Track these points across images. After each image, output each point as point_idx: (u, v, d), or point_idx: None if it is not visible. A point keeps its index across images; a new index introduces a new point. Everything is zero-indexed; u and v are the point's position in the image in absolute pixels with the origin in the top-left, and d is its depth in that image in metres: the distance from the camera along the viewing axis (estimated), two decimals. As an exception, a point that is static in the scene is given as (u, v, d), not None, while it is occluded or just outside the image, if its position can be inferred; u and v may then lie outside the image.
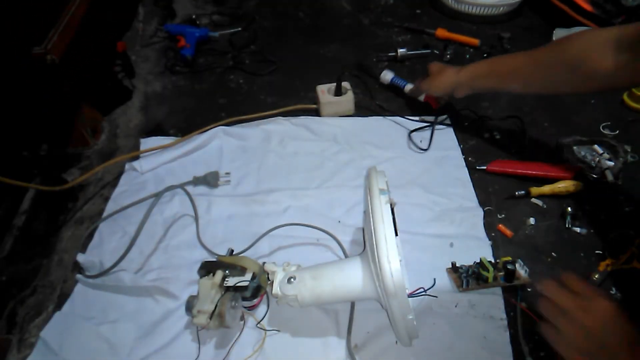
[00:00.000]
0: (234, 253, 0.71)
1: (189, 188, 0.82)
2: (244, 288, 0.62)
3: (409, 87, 0.99)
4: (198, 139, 0.91)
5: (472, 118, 0.96)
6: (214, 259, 0.67)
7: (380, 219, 0.51)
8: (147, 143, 0.92)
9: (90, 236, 0.77)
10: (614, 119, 0.94)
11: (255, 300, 0.65)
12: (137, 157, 0.90)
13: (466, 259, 0.69)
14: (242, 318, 0.65)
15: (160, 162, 0.88)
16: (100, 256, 0.72)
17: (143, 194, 0.82)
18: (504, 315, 0.64)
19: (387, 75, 1.03)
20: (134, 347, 0.63)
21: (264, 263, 0.65)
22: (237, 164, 0.89)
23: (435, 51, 1.16)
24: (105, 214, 0.80)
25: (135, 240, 0.72)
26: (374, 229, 0.52)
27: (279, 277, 0.62)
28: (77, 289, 0.70)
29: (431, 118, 0.96)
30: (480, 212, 0.78)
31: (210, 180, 0.84)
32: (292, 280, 0.60)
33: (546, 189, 0.79)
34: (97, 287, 0.70)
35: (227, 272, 0.63)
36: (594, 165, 0.82)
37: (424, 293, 0.61)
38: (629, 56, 0.63)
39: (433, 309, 0.66)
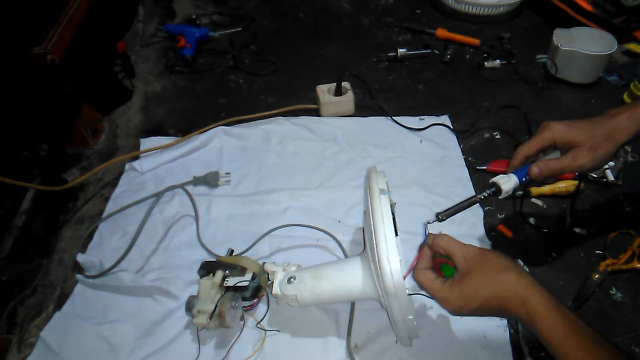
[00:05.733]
0: (234, 253, 0.71)
1: (189, 188, 0.82)
2: (244, 288, 0.62)
3: (535, 170, 0.59)
4: (198, 139, 0.91)
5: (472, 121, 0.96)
6: (214, 259, 0.67)
7: (381, 219, 0.51)
8: (147, 143, 0.92)
9: (90, 236, 0.77)
10: (614, 119, 0.94)
11: (254, 300, 0.65)
12: (137, 157, 0.90)
13: (466, 259, 0.69)
14: (242, 318, 0.65)
15: (160, 162, 0.88)
16: (100, 256, 0.72)
17: (143, 194, 0.82)
18: (504, 315, 0.64)
19: (510, 182, 0.59)
20: (134, 347, 0.63)
21: (264, 263, 0.65)
22: (237, 164, 0.89)
23: (435, 51, 1.15)
24: (105, 214, 0.80)
25: (136, 240, 0.72)
26: (374, 229, 0.52)
27: (279, 277, 0.62)
28: (77, 289, 0.70)
29: (431, 118, 0.96)
30: (480, 212, 0.78)
31: (210, 180, 0.84)
32: (292, 280, 0.60)
33: (546, 189, 0.79)
34: (97, 287, 0.70)
35: (227, 272, 0.63)
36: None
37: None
38: None
39: (433, 308, 0.66)
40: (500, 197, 0.59)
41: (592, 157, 0.57)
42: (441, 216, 0.55)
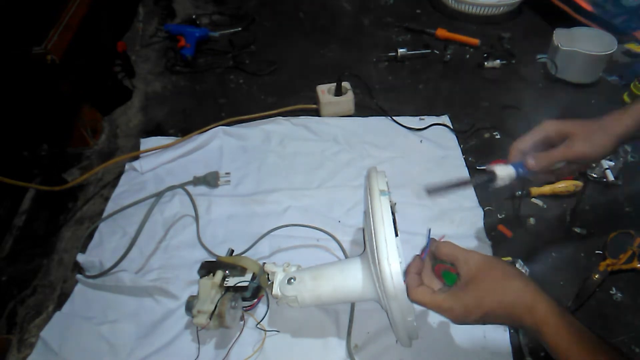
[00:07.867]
0: (234, 253, 0.71)
1: (189, 188, 0.82)
2: (244, 288, 0.62)
3: (531, 161, 0.59)
4: (198, 139, 0.91)
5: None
6: (214, 259, 0.67)
7: (381, 220, 0.51)
8: (147, 143, 0.92)
9: (90, 236, 0.77)
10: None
11: (254, 300, 0.65)
12: (137, 157, 0.90)
13: (466, 259, 0.69)
14: (242, 318, 0.65)
15: (160, 162, 0.88)
16: (100, 256, 0.72)
17: (143, 194, 0.82)
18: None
19: (506, 169, 0.59)
20: (134, 347, 0.63)
21: (264, 263, 0.65)
22: (237, 164, 0.89)
23: (435, 51, 1.15)
24: (105, 214, 0.80)
25: (136, 240, 0.72)
26: (374, 230, 0.52)
27: (279, 278, 0.62)
28: (77, 289, 0.70)
29: (431, 118, 0.96)
30: (480, 212, 0.78)
31: (210, 180, 0.84)
32: (292, 280, 0.60)
33: (546, 189, 0.79)
34: (97, 287, 0.70)
35: (227, 272, 0.63)
36: (594, 165, 0.82)
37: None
38: None
39: (433, 309, 0.65)
40: (495, 186, 0.58)
41: (588, 144, 0.57)
42: (430, 190, 0.55)
